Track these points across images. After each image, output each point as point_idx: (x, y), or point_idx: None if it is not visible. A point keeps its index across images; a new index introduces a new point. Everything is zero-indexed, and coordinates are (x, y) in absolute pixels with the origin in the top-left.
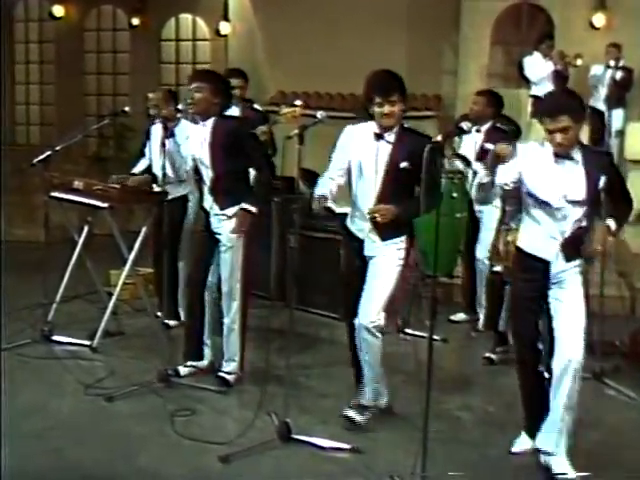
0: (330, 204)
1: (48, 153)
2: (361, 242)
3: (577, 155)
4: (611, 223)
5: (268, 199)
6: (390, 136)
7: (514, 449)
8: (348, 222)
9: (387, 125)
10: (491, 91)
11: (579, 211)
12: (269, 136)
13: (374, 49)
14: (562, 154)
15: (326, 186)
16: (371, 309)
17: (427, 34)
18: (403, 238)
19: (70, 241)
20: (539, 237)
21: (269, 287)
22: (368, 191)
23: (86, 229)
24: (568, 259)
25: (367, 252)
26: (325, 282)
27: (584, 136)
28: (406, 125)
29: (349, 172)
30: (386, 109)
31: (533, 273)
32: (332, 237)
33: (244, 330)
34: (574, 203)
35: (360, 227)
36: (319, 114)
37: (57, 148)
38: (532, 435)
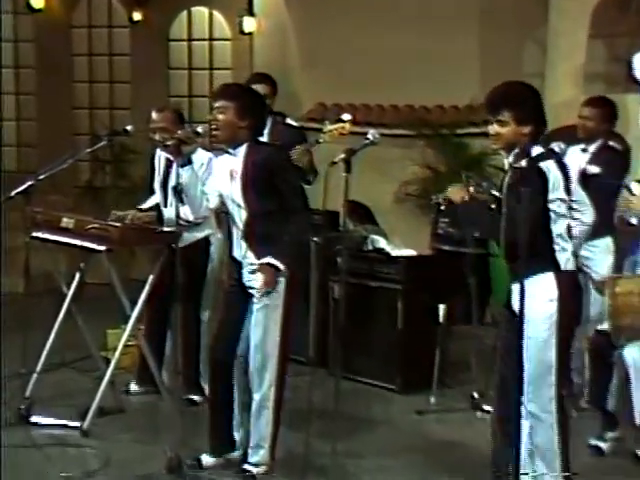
0: (384, 244)
1: (29, 183)
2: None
3: None
4: None
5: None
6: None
7: None
8: None
9: (494, 148)
10: (605, 99)
11: None
12: (309, 158)
13: (437, 50)
14: None
15: None
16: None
17: (505, 29)
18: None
19: (57, 293)
20: None
21: (307, 350)
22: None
23: (77, 278)
24: None
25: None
26: (379, 344)
27: None
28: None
29: None
30: (490, 129)
31: None
32: (389, 286)
33: (279, 408)
34: None
35: None
36: (370, 133)
37: (40, 176)
38: None
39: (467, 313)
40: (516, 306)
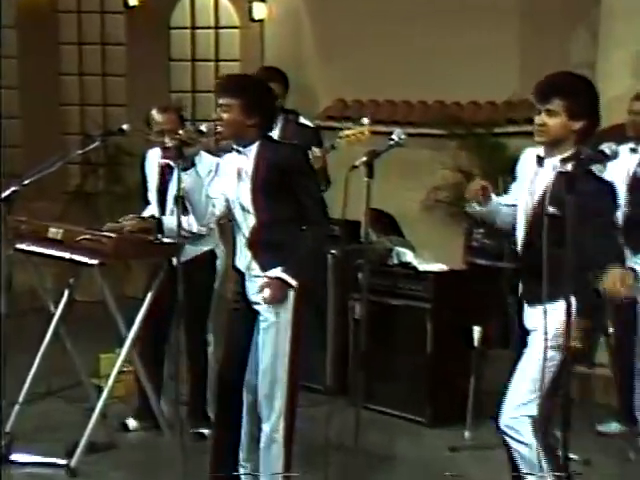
0: (411, 258)
1: (12, 189)
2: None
3: None
4: None
5: (319, 259)
6: (551, 161)
7: None
8: None
9: (538, 141)
10: None
11: None
12: (323, 164)
13: (472, 40)
14: None
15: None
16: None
17: (548, 14)
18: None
19: (43, 312)
20: None
21: (324, 377)
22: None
23: (66, 295)
24: None
25: (528, 321)
26: (405, 370)
27: None
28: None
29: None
30: (537, 119)
31: None
32: (416, 305)
33: (290, 441)
34: None
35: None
36: (395, 134)
37: (25, 181)
38: None
39: (505, 335)
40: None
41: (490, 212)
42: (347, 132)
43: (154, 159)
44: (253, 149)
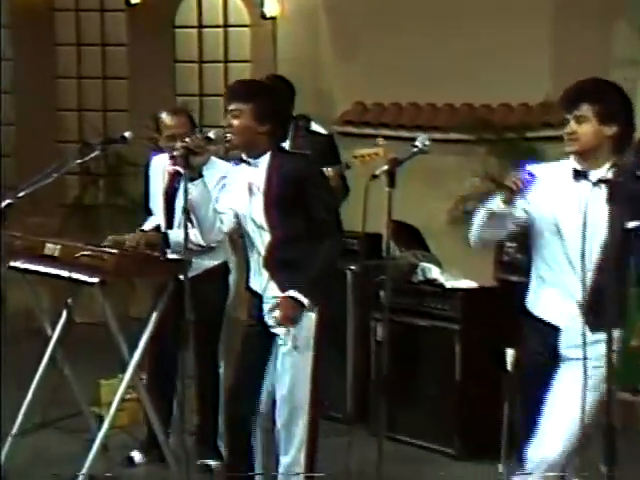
0: (438, 274)
1: (6, 202)
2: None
3: None
4: None
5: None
6: (596, 173)
7: None
8: (533, 299)
9: (569, 151)
10: None
11: None
12: (338, 182)
13: (504, 37)
14: None
15: None
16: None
17: (586, 6)
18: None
19: (39, 335)
20: None
21: (344, 404)
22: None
23: (64, 316)
24: None
25: (564, 347)
26: (432, 397)
27: None
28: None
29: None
30: (567, 128)
31: None
32: (443, 326)
33: (312, 474)
34: None
35: (560, 308)
36: (419, 140)
37: (19, 194)
38: None
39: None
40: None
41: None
42: (361, 152)
43: (160, 166)
44: (264, 161)
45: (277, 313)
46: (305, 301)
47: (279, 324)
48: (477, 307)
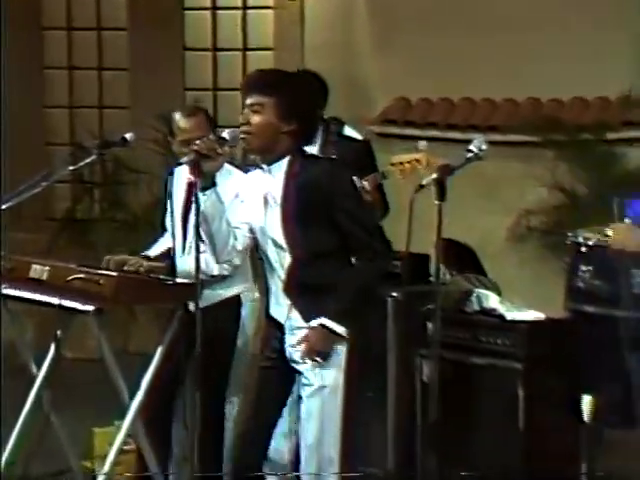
0: (496, 303)
1: None
2: None
3: None
4: None
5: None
6: None
7: None
8: None
9: None
10: None
11: None
12: (376, 195)
13: (576, 19)
14: None
15: None
16: None
17: None
18: None
19: (22, 373)
20: None
21: (384, 458)
22: None
23: (52, 351)
24: None
25: None
26: (491, 450)
27: None
28: None
29: None
30: None
31: None
32: (504, 365)
33: None
34: None
35: None
36: (474, 143)
37: (2, 206)
38: None
39: (626, 408)
40: None
41: None
42: (401, 158)
43: (183, 177)
44: (281, 166)
45: (304, 346)
46: (339, 329)
47: (306, 358)
48: (544, 343)
